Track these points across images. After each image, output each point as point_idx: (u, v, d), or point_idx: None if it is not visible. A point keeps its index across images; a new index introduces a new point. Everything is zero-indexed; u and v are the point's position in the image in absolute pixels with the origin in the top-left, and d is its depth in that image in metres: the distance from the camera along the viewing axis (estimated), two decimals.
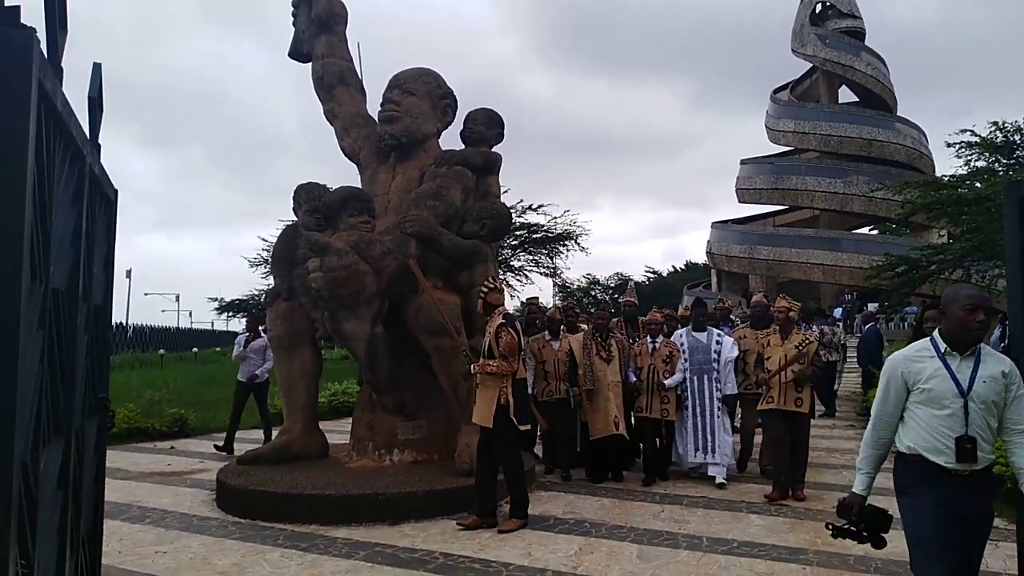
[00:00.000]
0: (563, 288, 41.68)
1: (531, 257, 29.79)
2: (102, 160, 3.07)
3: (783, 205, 42.32)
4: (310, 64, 9.00)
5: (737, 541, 5.42)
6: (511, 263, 29.41)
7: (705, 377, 7.45)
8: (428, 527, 5.84)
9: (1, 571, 1.75)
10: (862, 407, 12.35)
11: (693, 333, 7.66)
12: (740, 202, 43.08)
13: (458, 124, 8.40)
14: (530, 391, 7.65)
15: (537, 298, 9.64)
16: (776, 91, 45.28)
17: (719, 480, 7.22)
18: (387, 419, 7.41)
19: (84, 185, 2.61)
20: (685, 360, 7.52)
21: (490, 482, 5.93)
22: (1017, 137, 15.25)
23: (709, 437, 7.36)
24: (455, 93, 8.42)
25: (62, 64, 2.33)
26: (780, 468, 6.73)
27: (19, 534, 1.82)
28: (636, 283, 52.94)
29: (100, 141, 3.06)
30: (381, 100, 8.11)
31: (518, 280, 29.75)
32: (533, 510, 6.10)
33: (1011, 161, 15.25)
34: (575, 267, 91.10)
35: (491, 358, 5.82)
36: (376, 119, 8.32)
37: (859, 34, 41.94)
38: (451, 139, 8.55)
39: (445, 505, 6.19)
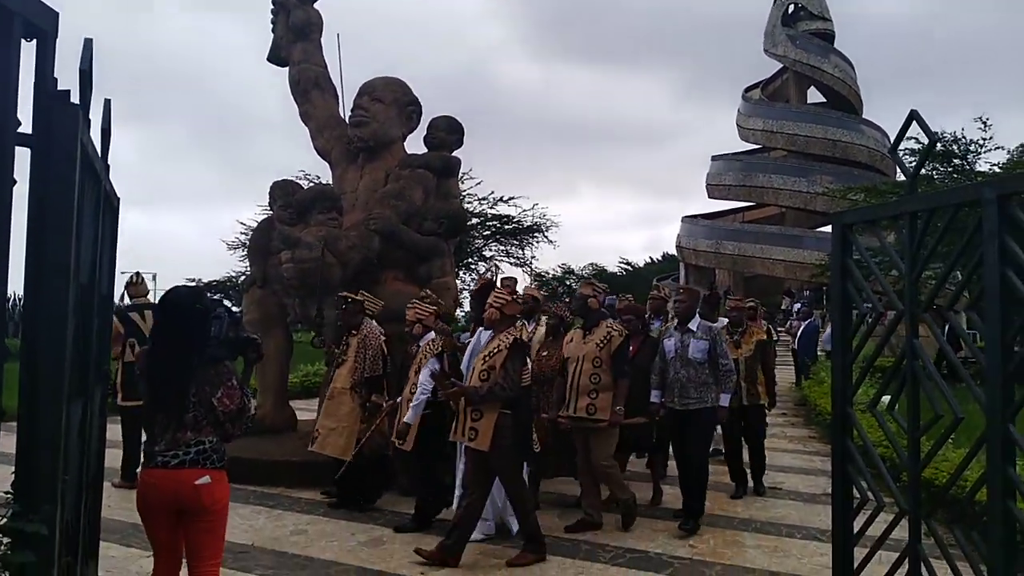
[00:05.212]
0: (538, 277, 42.60)
1: (502, 248, 30.63)
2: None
3: (750, 202, 43.40)
4: (287, 68, 9.69)
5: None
6: (483, 253, 30.24)
7: None
8: None
9: (53, 483, 2.51)
10: (799, 397, 13.25)
11: (486, 331, 5.39)
12: (709, 197, 44.09)
13: (423, 129, 9.13)
14: None
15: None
16: (747, 89, 46.27)
17: (477, 535, 5.13)
18: None
19: (100, 200, 3.35)
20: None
21: None
22: (955, 147, 16.22)
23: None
24: (420, 100, 9.13)
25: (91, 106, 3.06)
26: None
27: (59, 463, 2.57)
28: (611, 274, 53.79)
29: (108, 162, 3.77)
30: (352, 106, 8.84)
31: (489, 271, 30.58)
32: None
33: (948, 168, 16.22)
34: (550, 258, 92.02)
35: None
36: (347, 121, 9.05)
37: (829, 36, 43.05)
38: (416, 143, 9.29)
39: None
